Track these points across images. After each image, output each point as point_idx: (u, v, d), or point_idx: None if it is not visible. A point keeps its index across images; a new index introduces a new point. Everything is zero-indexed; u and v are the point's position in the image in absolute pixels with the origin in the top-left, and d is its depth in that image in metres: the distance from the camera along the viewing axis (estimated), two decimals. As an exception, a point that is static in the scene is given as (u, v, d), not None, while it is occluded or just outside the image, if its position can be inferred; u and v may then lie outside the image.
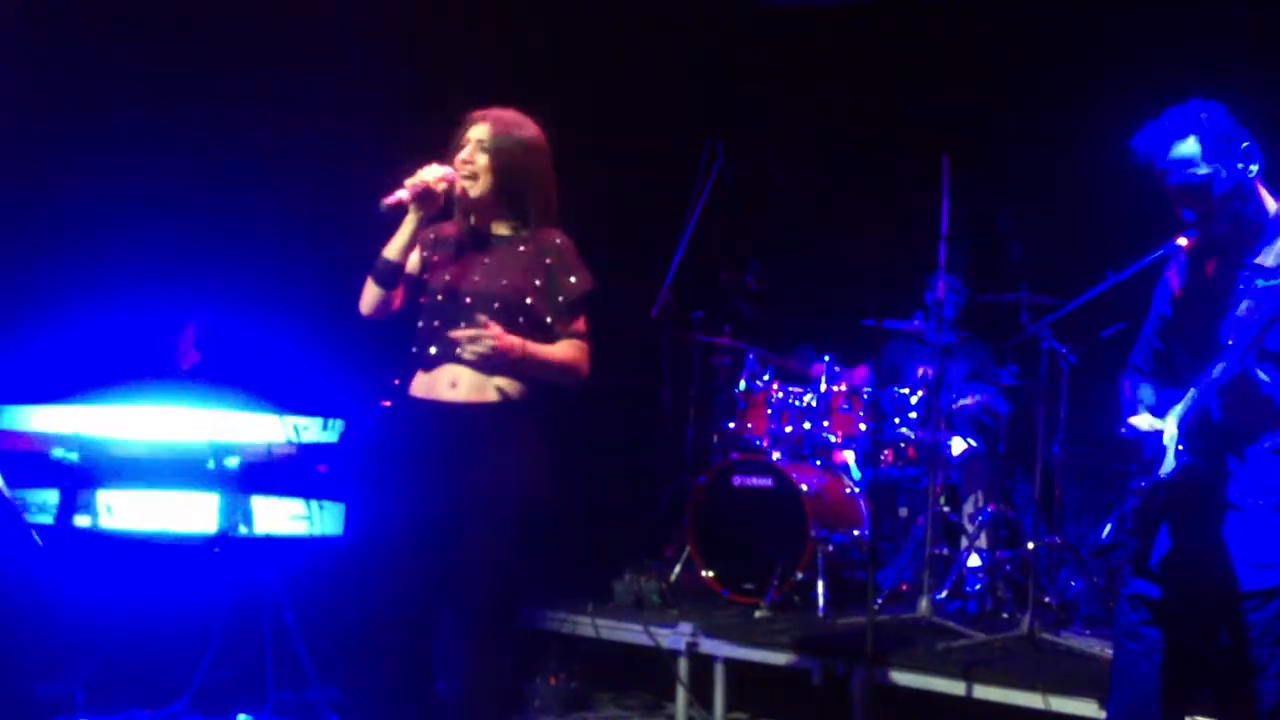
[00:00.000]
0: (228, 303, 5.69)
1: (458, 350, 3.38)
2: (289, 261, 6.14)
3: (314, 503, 4.58)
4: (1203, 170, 2.97)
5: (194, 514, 4.43)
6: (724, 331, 6.19)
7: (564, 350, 3.50)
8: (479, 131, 3.50)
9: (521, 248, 3.52)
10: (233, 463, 4.46)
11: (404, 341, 3.61)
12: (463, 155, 3.49)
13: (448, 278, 3.50)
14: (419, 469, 3.44)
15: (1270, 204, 3.04)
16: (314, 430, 4.71)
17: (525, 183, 3.52)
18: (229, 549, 4.36)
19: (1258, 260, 2.99)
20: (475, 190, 3.50)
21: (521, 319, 3.46)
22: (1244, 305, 2.95)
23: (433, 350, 3.46)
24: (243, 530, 4.39)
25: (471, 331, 3.35)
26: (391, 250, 3.48)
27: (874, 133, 6.66)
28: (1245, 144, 2.99)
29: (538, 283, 3.49)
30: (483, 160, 3.48)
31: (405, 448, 3.50)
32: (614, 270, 3.86)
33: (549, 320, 3.50)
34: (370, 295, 3.51)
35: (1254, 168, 2.99)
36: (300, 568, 4.55)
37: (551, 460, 3.51)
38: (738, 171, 6.27)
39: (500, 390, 3.42)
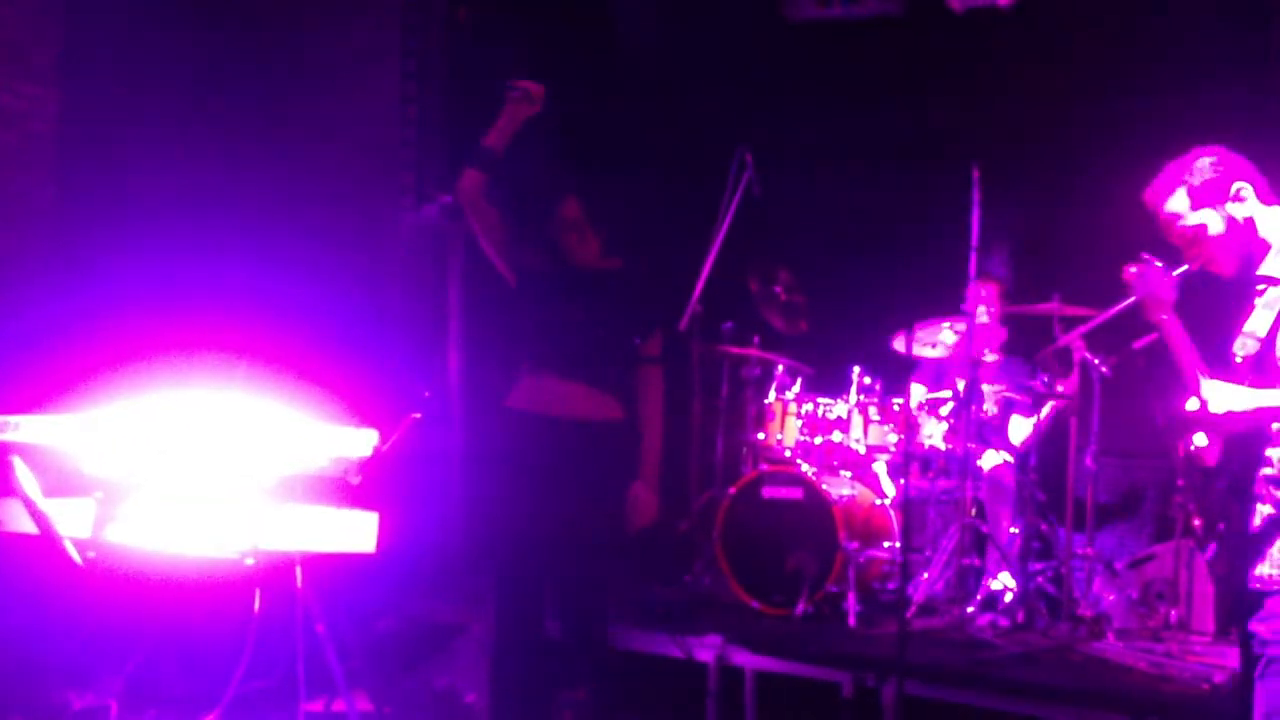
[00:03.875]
0: (261, 316, 5.73)
1: None
2: (323, 275, 6.18)
3: (346, 514, 4.58)
4: (1191, 220, 3.16)
5: (226, 526, 4.45)
6: (753, 343, 6.18)
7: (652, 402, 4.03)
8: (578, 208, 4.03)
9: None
10: (266, 474, 4.47)
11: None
12: (572, 232, 4.01)
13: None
14: (531, 481, 3.88)
15: (1276, 229, 3.14)
16: (345, 442, 4.72)
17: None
18: (260, 560, 4.37)
19: (1262, 271, 3.12)
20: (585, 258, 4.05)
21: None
22: (1257, 314, 3.07)
23: (539, 364, 3.87)
24: (274, 542, 4.39)
25: None
26: (494, 138, 4.00)
27: (905, 144, 6.65)
28: (1237, 185, 3.13)
29: None
30: (591, 237, 4.03)
31: (514, 459, 3.95)
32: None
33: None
34: (470, 180, 4.01)
35: (1247, 206, 3.13)
36: (332, 579, 4.56)
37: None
38: (767, 183, 6.27)
39: (604, 408, 3.85)
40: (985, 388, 5.73)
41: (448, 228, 6.35)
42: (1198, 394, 3.09)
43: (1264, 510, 3.04)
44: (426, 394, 4.72)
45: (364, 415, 4.92)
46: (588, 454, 3.86)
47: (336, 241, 6.27)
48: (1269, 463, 3.06)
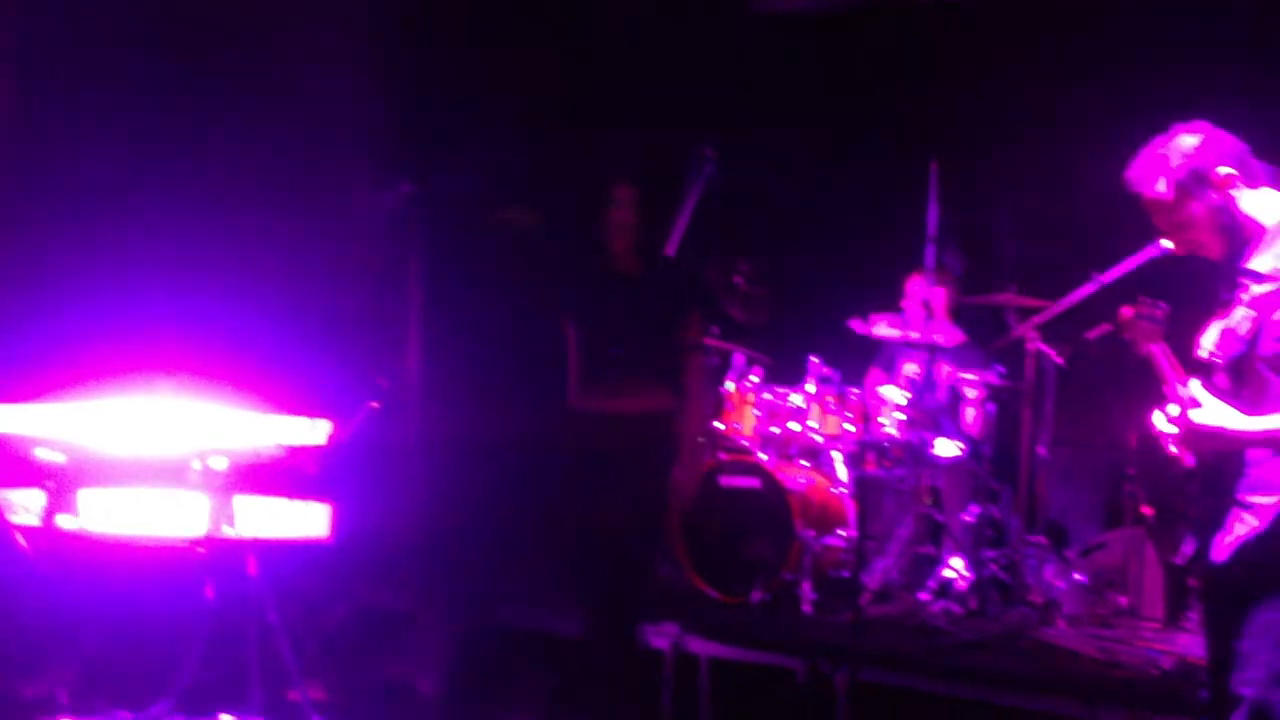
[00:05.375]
0: (217, 302, 5.70)
1: None
2: (278, 262, 6.14)
3: (300, 504, 4.57)
4: (1174, 206, 3.01)
5: (179, 515, 4.43)
6: (712, 333, 6.19)
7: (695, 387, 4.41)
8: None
9: None
10: (219, 463, 4.45)
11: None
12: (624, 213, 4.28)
13: None
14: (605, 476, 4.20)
15: (1269, 213, 3.00)
16: (301, 431, 4.71)
17: None
18: (214, 550, 4.36)
19: (1251, 265, 2.97)
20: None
21: None
22: (1239, 313, 2.94)
23: (600, 366, 4.25)
24: (228, 531, 4.38)
25: None
26: None
27: (864, 135, 6.68)
28: (1223, 170, 2.98)
29: None
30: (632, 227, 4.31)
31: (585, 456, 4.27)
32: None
33: None
34: None
35: (1229, 189, 2.98)
36: (286, 568, 4.55)
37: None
38: (728, 174, 6.28)
39: (661, 400, 4.24)
40: (942, 376, 5.78)
41: (408, 215, 6.33)
42: (1178, 401, 2.94)
43: (1250, 521, 2.89)
44: (382, 383, 4.69)
45: (320, 404, 4.91)
46: (652, 446, 4.19)
47: (295, 228, 6.24)
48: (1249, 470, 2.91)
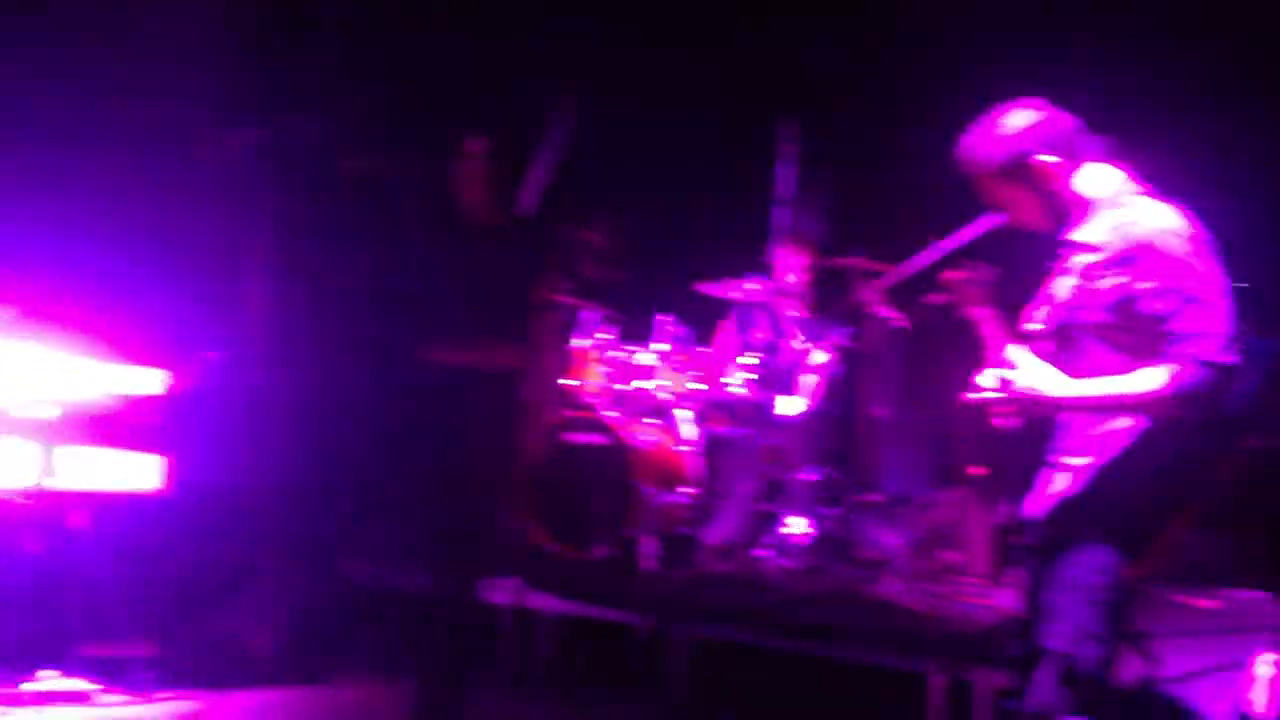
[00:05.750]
0: (52, 246, 5.50)
1: None
2: (119, 207, 5.95)
3: (134, 455, 4.46)
4: (1001, 185, 3.07)
5: (5, 464, 4.29)
6: (564, 288, 6.18)
7: (546, 345, 4.68)
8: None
9: None
10: (48, 411, 4.32)
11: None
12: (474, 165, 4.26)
13: None
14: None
15: (1095, 187, 3.06)
16: (137, 380, 4.60)
17: None
18: (39, 501, 4.24)
19: (1075, 236, 3.03)
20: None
21: None
22: (1064, 282, 3.02)
23: (445, 320, 4.22)
24: (55, 482, 4.26)
25: None
26: None
27: (722, 95, 6.71)
28: (1048, 155, 3.03)
29: None
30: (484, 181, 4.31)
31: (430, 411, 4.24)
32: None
33: None
34: None
35: (1057, 168, 3.03)
36: (116, 521, 4.44)
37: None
38: (586, 129, 6.26)
39: (507, 357, 4.22)
40: (789, 337, 5.88)
41: (255, 162, 6.17)
42: (1001, 364, 3.01)
43: (1064, 481, 3.00)
44: (221, 332, 4.60)
45: (158, 353, 4.79)
46: (499, 401, 4.20)
47: (137, 173, 6.03)
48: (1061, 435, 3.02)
